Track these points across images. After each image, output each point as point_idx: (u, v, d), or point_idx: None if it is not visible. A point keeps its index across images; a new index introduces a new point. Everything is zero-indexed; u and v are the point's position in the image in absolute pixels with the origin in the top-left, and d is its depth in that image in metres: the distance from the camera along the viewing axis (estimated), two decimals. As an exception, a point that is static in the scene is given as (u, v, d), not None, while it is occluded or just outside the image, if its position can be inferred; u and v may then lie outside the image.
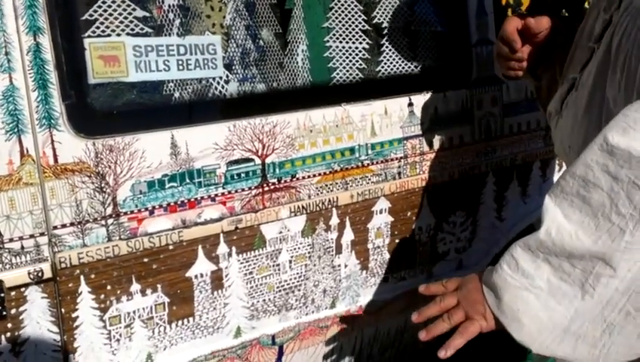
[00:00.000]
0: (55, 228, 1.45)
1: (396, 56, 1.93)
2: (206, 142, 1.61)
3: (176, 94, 1.57)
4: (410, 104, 1.93)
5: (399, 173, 1.96)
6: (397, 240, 2.04)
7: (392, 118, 1.90)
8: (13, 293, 1.44)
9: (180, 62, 1.55)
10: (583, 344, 1.07)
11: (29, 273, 1.43)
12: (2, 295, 1.41)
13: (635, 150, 0.97)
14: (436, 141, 2.00)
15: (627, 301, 1.02)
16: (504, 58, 1.47)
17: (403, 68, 1.95)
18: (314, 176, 1.80)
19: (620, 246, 0.99)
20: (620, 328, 1.04)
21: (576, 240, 1.03)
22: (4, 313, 1.42)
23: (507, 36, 1.42)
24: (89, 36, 1.43)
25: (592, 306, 1.04)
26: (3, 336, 1.45)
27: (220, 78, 1.63)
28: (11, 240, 1.41)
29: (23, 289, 1.45)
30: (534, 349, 1.12)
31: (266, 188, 1.73)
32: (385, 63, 1.91)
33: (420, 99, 1.95)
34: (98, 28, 1.44)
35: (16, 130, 1.37)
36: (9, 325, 1.45)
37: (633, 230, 0.98)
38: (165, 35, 1.53)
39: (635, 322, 1.03)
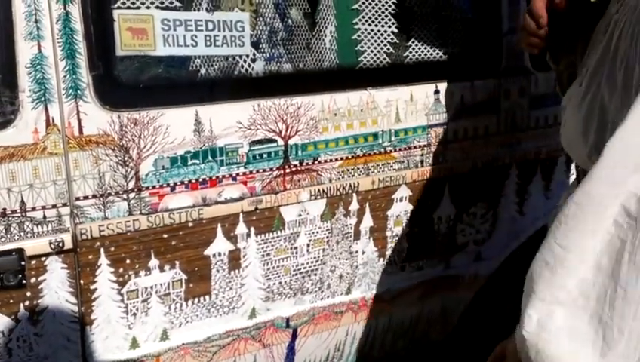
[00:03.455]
0: (77, 199, 1.45)
1: (425, 41, 1.90)
2: (230, 121, 1.60)
3: (203, 70, 1.56)
4: (437, 91, 1.90)
5: (422, 161, 1.94)
6: (416, 229, 2.02)
7: (418, 104, 1.88)
8: (33, 262, 1.44)
9: (208, 38, 1.54)
10: None
11: (50, 243, 1.43)
12: (23, 263, 1.41)
13: None
14: (461, 130, 1.98)
15: None
16: (528, 32, 1.45)
17: (431, 54, 1.92)
18: (336, 160, 1.79)
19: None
20: None
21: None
22: (24, 281, 1.43)
23: (536, 11, 1.40)
24: (118, 7, 1.42)
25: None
26: (22, 305, 1.46)
27: (247, 56, 1.61)
28: (34, 209, 1.41)
29: (43, 259, 1.45)
30: None
31: (288, 170, 1.72)
32: (413, 49, 1.89)
33: (447, 87, 1.92)
34: (128, 0, 1.43)
35: (43, 99, 1.37)
36: (28, 294, 1.46)
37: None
38: (194, 10, 1.52)
39: None
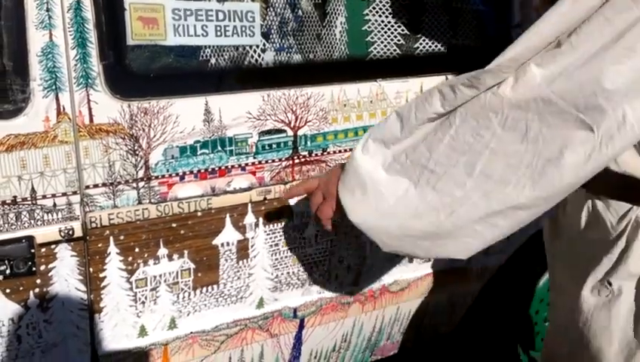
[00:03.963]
0: (87, 187, 1.46)
1: (435, 33, 1.89)
2: (239, 111, 1.60)
3: (213, 60, 1.56)
4: (447, 83, 1.89)
5: (431, 153, 1.93)
6: (424, 221, 2.02)
7: (427, 96, 1.87)
8: (43, 250, 1.45)
9: (218, 28, 1.54)
10: (393, 225, 1.24)
11: (60, 230, 1.44)
12: (33, 251, 1.42)
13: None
14: (470, 123, 1.97)
15: (439, 200, 1.18)
16: None
17: (441, 46, 1.92)
18: (345, 151, 1.79)
19: (444, 138, 1.16)
20: (426, 217, 1.20)
21: (414, 133, 1.22)
22: (34, 269, 1.44)
23: (540, 8, 1.39)
24: (129, -4, 1.42)
25: (412, 197, 1.20)
26: (32, 292, 1.47)
27: (257, 46, 1.61)
28: (44, 197, 1.41)
29: (53, 247, 1.46)
30: (351, 218, 1.29)
31: (297, 161, 1.72)
32: (423, 40, 1.88)
33: (457, 79, 1.91)
34: (139, -11, 1.43)
35: (54, 87, 1.37)
36: (38, 281, 1.47)
37: (458, 126, 1.15)
38: (205, 0, 1.51)
39: (438, 218, 1.18)
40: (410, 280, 2.09)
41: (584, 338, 1.37)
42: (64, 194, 1.43)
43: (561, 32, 1.07)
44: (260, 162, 1.67)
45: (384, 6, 1.79)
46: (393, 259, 2.01)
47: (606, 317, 1.34)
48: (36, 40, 1.34)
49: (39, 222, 1.42)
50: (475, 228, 1.18)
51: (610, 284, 1.34)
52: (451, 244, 1.22)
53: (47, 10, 1.33)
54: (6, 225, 1.39)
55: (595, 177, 1.24)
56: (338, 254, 1.90)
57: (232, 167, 1.63)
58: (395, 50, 1.83)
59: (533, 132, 1.08)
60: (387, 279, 2.04)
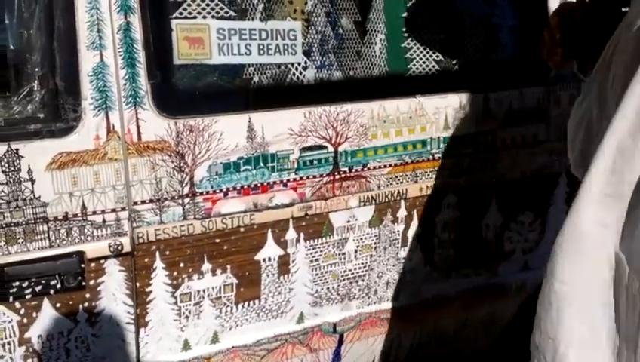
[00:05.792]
0: (135, 203, 1.49)
1: (474, 49, 1.90)
2: (281, 128, 1.63)
3: (256, 78, 1.58)
4: (486, 99, 1.90)
5: (469, 169, 1.93)
6: (463, 237, 2.01)
7: (466, 112, 1.87)
8: (92, 265, 1.48)
9: (261, 47, 1.57)
10: None
11: (109, 246, 1.47)
12: (83, 265, 1.45)
13: None
14: (509, 138, 1.97)
15: None
16: (545, 45, 1.42)
17: (480, 62, 1.92)
18: (384, 166, 1.80)
19: None
20: None
21: None
22: (84, 283, 1.47)
23: (551, 27, 1.37)
24: (176, 17, 1.46)
25: None
26: (81, 306, 1.50)
27: (299, 64, 1.64)
28: (94, 213, 1.45)
29: (102, 262, 1.49)
30: None
31: (337, 177, 1.74)
32: (462, 56, 1.89)
33: (495, 95, 1.91)
34: (185, 10, 1.47)
35: (104, 106, 1.41)
36: (87, 295, 1.50)
37: None
38: (248, 20, 1.54)
39: None
40: (447, 296, 2.08)
41: None
42: (113, 210, 1.47)
43: None
44: (301, 178, 1.69)
45: (423, 23, 1.80)
46: (431, 275, 2.01)
47: None
48: (87, 60, 1.38)
49: (89, 238, 1.46)
50: None
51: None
52: None
53: (98, 31, 1.37)
54: (57, 241, 1.43)
55: None
56: (377, 269, 1.90)
57: (274, 183, 1.65)
58: (433, 67, 1.84)
59: None
60: (426, 294, 2.03)
